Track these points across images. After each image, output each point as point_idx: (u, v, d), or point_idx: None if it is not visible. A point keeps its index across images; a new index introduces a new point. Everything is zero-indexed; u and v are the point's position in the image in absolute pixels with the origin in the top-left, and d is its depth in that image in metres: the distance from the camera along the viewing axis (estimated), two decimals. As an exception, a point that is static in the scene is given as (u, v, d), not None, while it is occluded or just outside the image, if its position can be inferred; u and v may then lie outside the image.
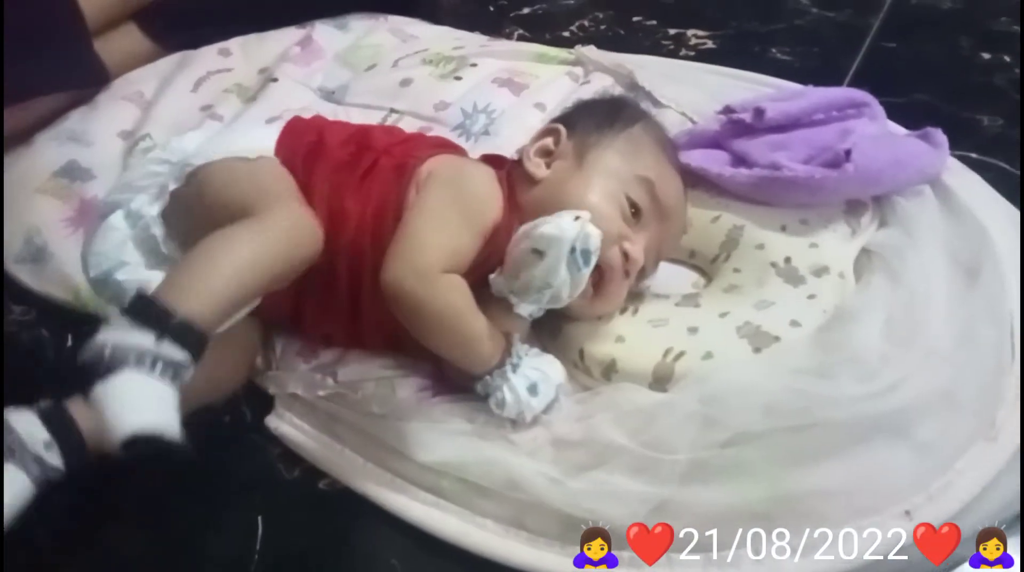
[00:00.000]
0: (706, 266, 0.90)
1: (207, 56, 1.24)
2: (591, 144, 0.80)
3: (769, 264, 0.84)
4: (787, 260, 0.84)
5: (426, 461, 0.71)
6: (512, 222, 0.76)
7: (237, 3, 1.29)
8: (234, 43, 1.26)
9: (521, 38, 1.33)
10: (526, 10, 1.41)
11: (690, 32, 1.32)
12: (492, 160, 0.85)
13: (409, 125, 1.08)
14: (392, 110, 1.12)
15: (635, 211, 0.79)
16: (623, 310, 0.81)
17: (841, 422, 0.67)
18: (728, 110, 0.96)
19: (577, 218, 0.69)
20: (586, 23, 1.36)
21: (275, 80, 1.18)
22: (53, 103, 1.18)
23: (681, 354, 0.75)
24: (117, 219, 0.76)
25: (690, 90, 1.10)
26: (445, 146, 0.87)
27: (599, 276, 0.76)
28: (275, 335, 0.84)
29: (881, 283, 0.78)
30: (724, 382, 0.70)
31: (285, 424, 0.79)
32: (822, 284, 0.80)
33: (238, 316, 0.69)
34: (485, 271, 0.74)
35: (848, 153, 0.84)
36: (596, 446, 0.70)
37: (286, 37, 1.27)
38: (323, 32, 1.28)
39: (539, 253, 0.69)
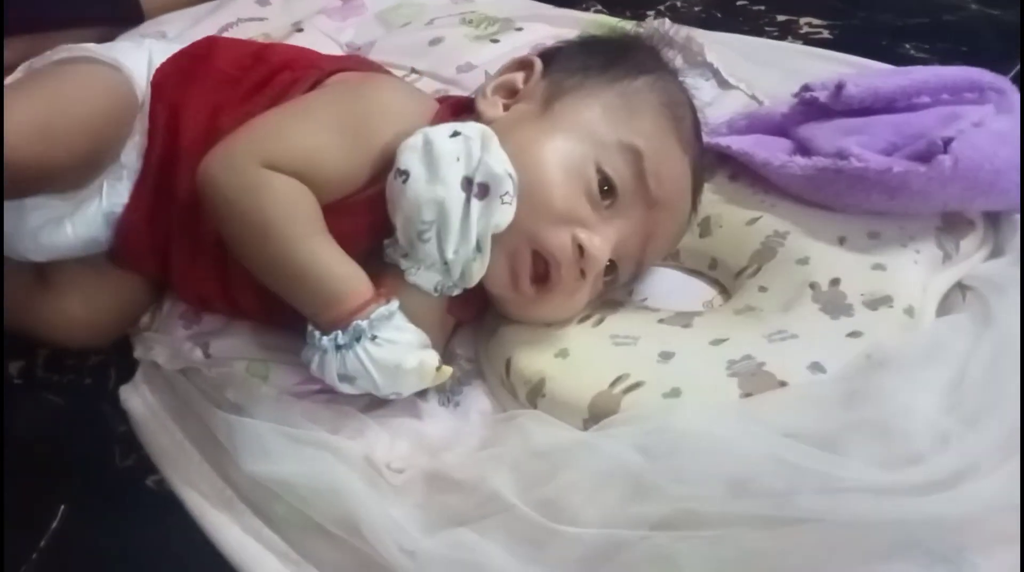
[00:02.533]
0: (728, 281, 0.66)
1: (244, 4, 1.14)
2: (568, 88, 0.59)
3: (807, 285, 0.59)
4: (834, 282, 0.58)
5: (250, 471, 0.52)
6: None
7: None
8: (277, -9, 1.15)
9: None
10: (607, -11, 1.22)
11: (803, 20, 1.07)
12: (452, 103, 0.65)
13: (427, 86, 0.92)
14: (413, 69, 0.97)
15: (607, 189, 0.56)
16: (584, 318, 0.59)
17: (845, 524, 0.42)
18: (805, 88, 0.72)
19: (456, 134, 0.50)
20: (678, 3, 1.14)
21: (300, 30, 1.06)
22: (78, 38, 1.13)
23: (636, 385, 0.52)
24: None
25: (774, 72, 0.87)
26: (370, 67, 0.68)
27: (544, 268, 0.55)
28: (168, 292, 0.69)
29: (962, 327, 0.51)
30: (680, 433, 0.47)
31: (136, 397, 0.62)
32: (875, 319, 0.55)
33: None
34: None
35: (948, 143, 0.58)
36: (477, 496, 0.48)
37: (333, -12, 1.14)
38: (373, -11, 1.14)
39: (403, 175, 0.50)
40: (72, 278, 0.66)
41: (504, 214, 0.51)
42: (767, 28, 1.06)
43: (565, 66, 0.61)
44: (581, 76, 0.60)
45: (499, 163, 0.51)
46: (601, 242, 0.55)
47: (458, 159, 0.51)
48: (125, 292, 0.67)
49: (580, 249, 0.55)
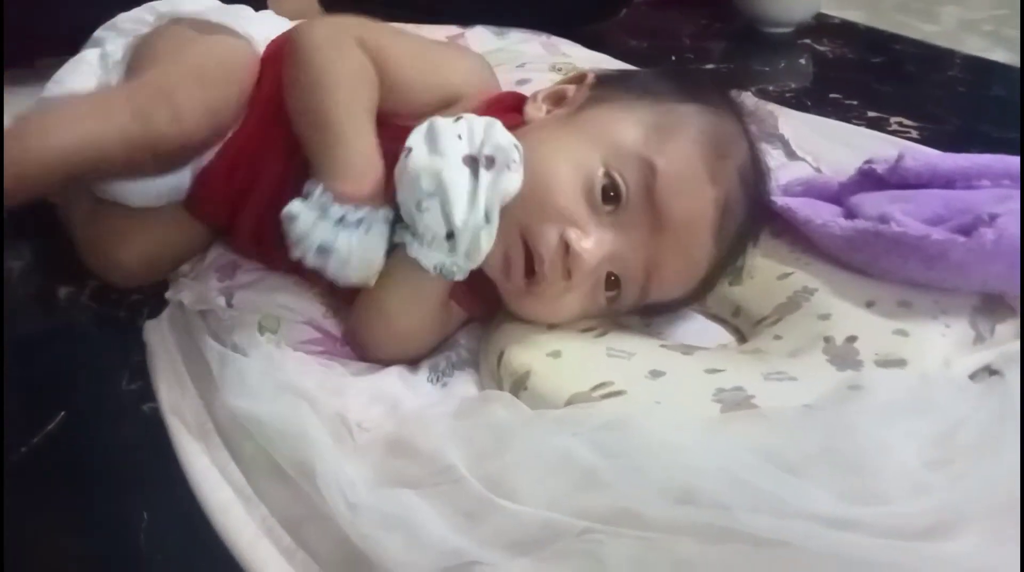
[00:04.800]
0: (747, 329, 0.64)
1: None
2: (605, 99, 0.60)
3: (822, 337, 0.57)
4: (850, 339, 0.56)
5: (230, 404, 0.53)
6: None
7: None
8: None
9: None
10: (709, 66, 1.24)
11: (894, 119, 1.06)
12: (512, 95, 0.67)
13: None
14: (495, 105, 1.01)
15: (612, 194, 0.55)
16: (587, 329, 0.59)
17: (786, 548, 0.39)
18: (867, 162, 0.71)
19: (459, 118, 0.53)
20: (771, 88, 1.15)
21: (404, 58, 1.13)
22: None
23: (617, 393, 0.51)
24: (92, 55, 0.70)
25: (845, 150, 0.86)
26: None
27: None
28: (215, 244, 0.73)
29: (967, 390, 0.48)
30: (639, 433, 0.45)
31: (156, 333, 0.65)
32: (882, 377, 0.52)
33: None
34: None
35: (994, 219, 0.56)
36: (432, 465, 0.47)
37: (442, 30, 1.21)
38: (479, 34, 1.21)
39: (406, 151, 0.52)
40: (137, 224, 0.70)
41: (512, 181, 0.52)
42: (855, 121, 1.05)
43: (618, 83, 0.62)
44: (623, 90, 0.60)
45: (504, 136, 0.53)
46: (592, 245, 0.54)
47: (460, 137, 0.52)
48: (183, 241, 0.71)
49: (567, 249, 0.54)
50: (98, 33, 0.72)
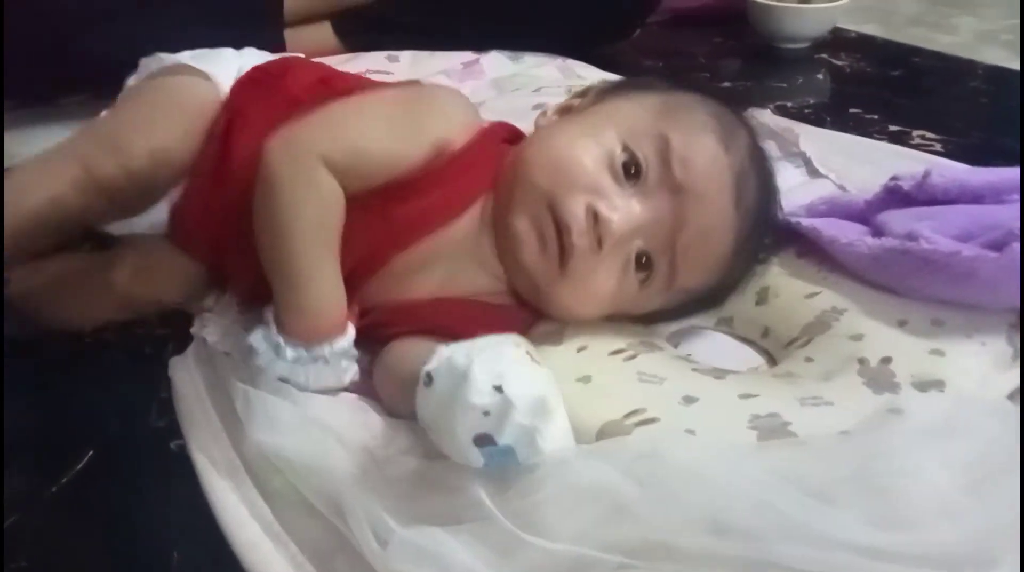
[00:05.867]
0: (777, 351, 0.63)
1: (374, 58, 1.23)
2: (612, 96, 0.62)
3: (856, 359, 0.56)
4: (885, 361, 0.55)
5: (256, 440, 0.53)
6: (484, 166, 0.60)
7: (425, 21, 1.27)
8: (406, 53, 1.24)
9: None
10: (726, 84, 1.24)
11: (916, 132, 1.05)
12: (502, 127, 0.66)
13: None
14: (512, 128, 1.01)
15: (634, 170, 0.56)
16: (617, 351, 0.58)
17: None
18: (893, 178, 0.70)
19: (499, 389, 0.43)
20: (789, 105, 1.14)
21: (418, 85, 1.13)
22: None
23: (650, 420, 0.50)
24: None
25: (868, 168, 0.85)
26: None
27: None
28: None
29: (1003, 411, 0.47)
30: (672, 463, 0.44)
31: (183, 369, 0.65)
32: (920, 400, 0.51)
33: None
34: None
35: (1025, 233, 0.55)
36: (460, 499, 0.47)
37: (457, 56, 1.22)
38: (494, 59, 1.22)
39: (429, 379, 0.46)
40: (131, 256, 0.70)
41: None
42: (876, 135, 1.04)
43: (622, 84, 0.65)
44: (631, 87, 0.63)
45: (540, 386, 0.45)
46: (620, 214, 0.55)
47: (486, 414, 0.44)
48: (179, 274, 0.70)
49: (596, 218, 0.55)
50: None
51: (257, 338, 0.55)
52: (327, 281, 0.55)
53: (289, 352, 0.54)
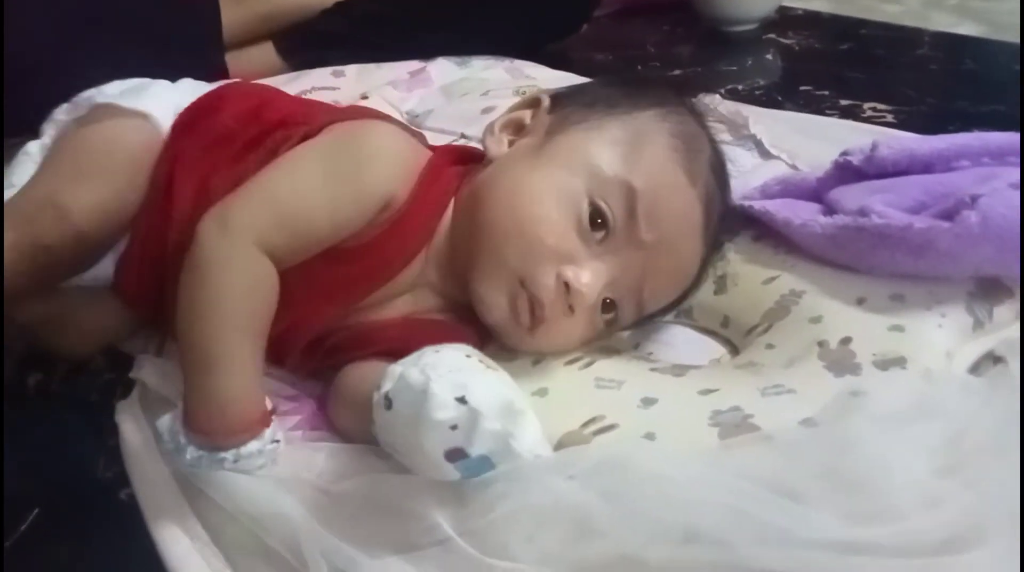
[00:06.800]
0: (738, 339, 0.62)
1: (320, 74, 1.20)
2: (572, 121, 0.58)
3: (816, 343, 0.54)
4: (845, 341, 0.54)
5: (204, 489, 0.51)
6: (428, 217, 0.57)
7: (369, 33, 1.25)
8: (352, 67, 1.22)
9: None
10: (676, 71, 1.23)
11: (867, 105, 1.04)
12: (449, 150, 0.65)
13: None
14: (462, 135, 0.99)
15: (600, 222, 0.54)
16: (573, 360, 0.56)
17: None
18: (843, 154, 0.69)
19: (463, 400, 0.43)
20: (740, 87, 1.13)
21: (366, 98, 1.11)
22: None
23: (609, 427, 0.49)
24: (34, 146, 0.68)
25: (819, 144, 0.84)
26: (368, 115, 0.66)
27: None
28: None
29: (972, 387, 0.46)
30: (636, 473, 0.42)
31: (127, 414, 0.62)
32: (883, 381, 0.50)
33: None
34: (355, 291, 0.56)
35: (976, 200, 0.54)
36: (412, 523, 0.45)
37: (404, 66, 1.21)
38: (441, 66, 1.20)
39: (387, 402, 0.45)
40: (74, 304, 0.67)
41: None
42: (828, 111, 1.03)
43: (574, 100, 0.61)
44: (587, 110, 0.59)
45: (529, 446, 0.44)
46: (590, 278, 0.53)
47: (453, 428, 0.43)
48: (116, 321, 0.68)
49: (566, 286, 0.53)
50: (42, 126, 0.70)
51: (163, 423, 0.51)
52: (242, 371, 0.49)
53: (191, 449, 0.49)
